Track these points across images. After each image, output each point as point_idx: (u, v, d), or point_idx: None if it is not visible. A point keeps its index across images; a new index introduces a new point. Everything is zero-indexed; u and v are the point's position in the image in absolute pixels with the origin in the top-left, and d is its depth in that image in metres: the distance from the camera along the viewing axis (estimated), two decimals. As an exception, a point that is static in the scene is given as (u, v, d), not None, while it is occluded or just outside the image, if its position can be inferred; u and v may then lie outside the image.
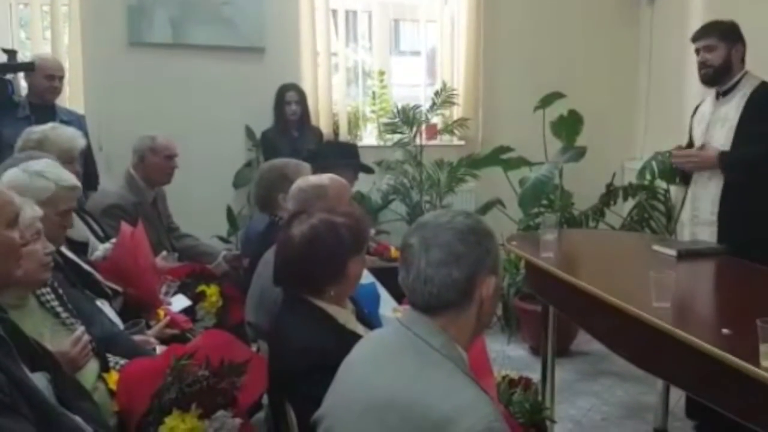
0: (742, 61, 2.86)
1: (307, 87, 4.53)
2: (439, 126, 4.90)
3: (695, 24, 3.30)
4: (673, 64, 4.54)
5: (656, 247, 2.78)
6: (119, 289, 2.39)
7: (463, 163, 4.60)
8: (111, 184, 3.39)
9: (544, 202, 4.29)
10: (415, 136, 4.60)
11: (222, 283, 2.76)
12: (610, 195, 4.29)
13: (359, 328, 1.79)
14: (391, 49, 5.23)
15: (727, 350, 1.65)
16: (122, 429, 1.71)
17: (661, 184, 4.16)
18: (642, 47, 5.05)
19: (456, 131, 4.85)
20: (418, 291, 1.33)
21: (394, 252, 3.38)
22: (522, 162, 4.28)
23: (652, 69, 4.97)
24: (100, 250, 2.59)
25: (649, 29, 4.99)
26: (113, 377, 1.78)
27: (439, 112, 4.73)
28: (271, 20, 4.53)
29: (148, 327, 2.27)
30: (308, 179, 2.46)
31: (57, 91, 3.58)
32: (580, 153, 4.07)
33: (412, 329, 1.34)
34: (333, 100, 4.75)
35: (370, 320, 2.00)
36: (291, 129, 4.37)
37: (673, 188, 3.99)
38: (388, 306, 2.46)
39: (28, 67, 3.52)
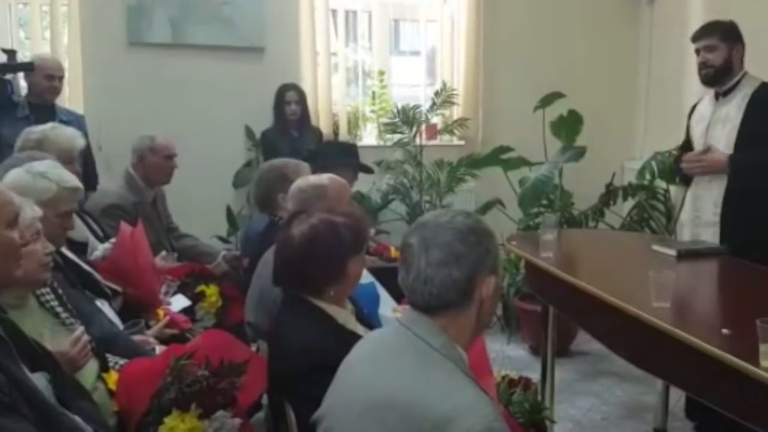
0: (741, 61, 2.86)
1: (306, 87, 4.53)
2: (439, 126, 4.91)
3: (695, 24, 3.30)
4: (672, 64, 4.54)
5: (656, 247, 2.78)
6: (119, 289, 2.39)
7: (463, 163, 4.60)
8: (110, 184, 3.39)
9: (544, 202, 4.29)
10: (414, 136, 4.60)
11: (221, 283, 2.76)
12: (609, 195, 4.29)
13: (359, 328, 1.79)
14: (390, 49, 5.23)
15: (727, 350, 1.65)
16: (122, 429, 1.71)
17: (660, 184, 4.16)
18: (642, 47, 5.05)
19: (456, 131, 4.85)
20: (418, 291, 1.33)
21: (393, 252, 3.38)
22: (522, 162, 4.29)
23: (651, 69, 4.97)
24: (100, 250, 2.59)
25: (648, 29, 4.99)
26: (113, 377, 1.78)
27: (438, 112, 4.73)
28: (270, 20, 4.53)
29: (148, 327, 2.27)
30: (308, 179, 2.46)
31: (56, 91, 3.58)
32: (580, 153, 4.07)
33: (412, 329, 1.34)
34: (333, 100, 4.75)
35: (370, 320, 2.00)
36: (291, 129, 4.37)
37: (672, 188, 3.99)
38: (387, 306, 2.46)
39: (28, 67, 3.52)
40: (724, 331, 1.80)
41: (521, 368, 2.34)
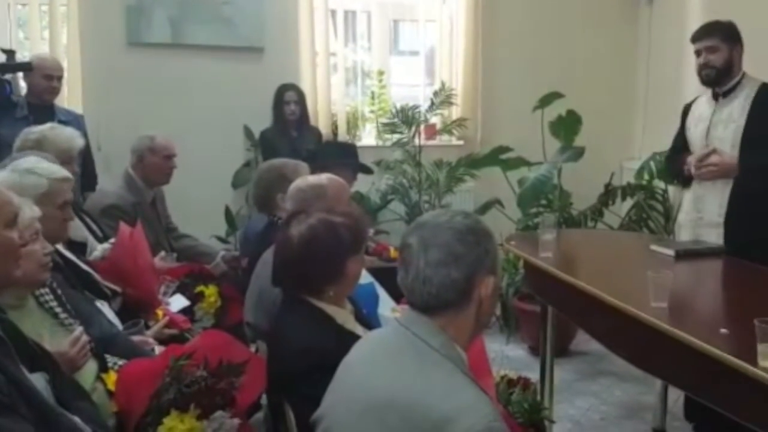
0: (740, 61, 2.85)
1: (306, 87, 4.53)
2: (438, 126, 4.90)
3: (694, 24, 3.30)
4: (671, 65, 4.55)
5: (654, 247, 2.78)
6: (118, 289, 2.39)
7: (462, 163, 4.60)
8: (109, 184, 3.39)
9: (543, 202, 4.29)
10: (414, 136, 4.60)
11: (220, 284, 2.76)
12: (608, 195, 4.29)
13: (358, 329, 1.79)
14: (390, 49, 5.24)
15: (725, 350, 1.66)
16: (121, 429, 1.71)
17: (659, 184, 4.17)
18: (640, 47, 5.05)
19: (455, 131, 4.85)
20: (417, 291, 1.33)
21: (393, 252, 3.38)
22: (521, 162, 4.29)
23: (650, 69, 4.97)
24: (99, 250, 2.58)
25: (647, 29, 4.99)
26: (112, 378, 1.77)
27: (438, 112, 4.73)
28: (270, 20, 4.53)
29: (147, 327, 2.27)
30: (307, 179, 2.46)
31: (55, 91, 3.58)
32: (579, 153, 4.08)
33: (411, 329, 1.34)
34: (332, 100, 4.75)
35: (369, 320, 2.00)
36: (290, 129, 4.37)
37: (671, 188, 3.99)
38: (386, 306, 2.46)
39: (26, 67, 3.51)
40: (723, 330, 1.80)
41: (520, 368, 2.34)
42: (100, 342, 1.87)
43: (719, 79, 2.82)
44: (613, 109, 5.00)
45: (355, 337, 1.60)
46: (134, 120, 4.04)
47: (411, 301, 1.37)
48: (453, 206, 4.50)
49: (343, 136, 4.75)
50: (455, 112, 4.89)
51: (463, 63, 4.86)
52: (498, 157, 4.34)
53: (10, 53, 3.58)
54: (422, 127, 4.64)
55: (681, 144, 3.06)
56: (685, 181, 2.98)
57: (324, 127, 4.64)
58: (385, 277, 2.55)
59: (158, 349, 2.10)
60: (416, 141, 4.60)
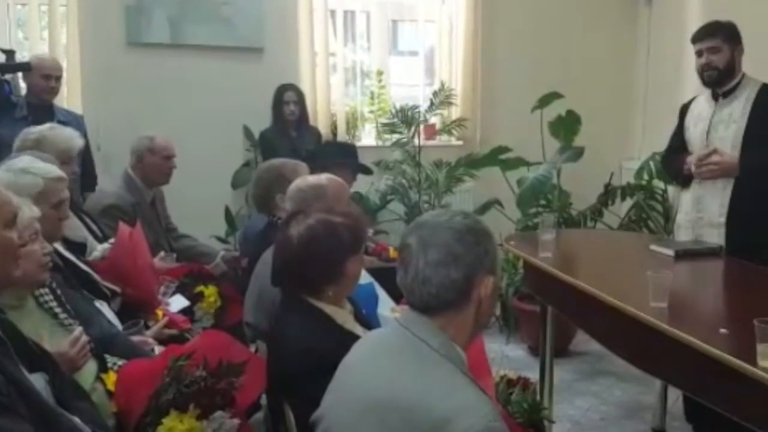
0: (741, 62, 2.85)
1: (305, 87, 4.53)
2: (438, 126, 4.91)
3: (693, 24, 3.30)
4: (670, 65, 4.55)
5: (654, 247, 2.78)
6: (117, 289, 2.39)
7: (462, 163, 4.60)
8: (109, 184, 3.38)
9: (543, 202, 4.30)
10: (413, 136, 4.60)
11: (220, 284, 2.76)
12: (607, 195, 4.30)
13: (357, 329, 1.79)
14: (389, 49, 5.24)
15: (725, 350, 1.66)
16: (120, 430, 1.71)
17: (658, 184, 4.17)
18: (640, 47, 5.06)
19: (454, 131, 4.85)
20: (417, 291, 1.33)
21: (392, 252, 3.37)
22: (520, 162, 4.29)
23: (649, 69, 4.98)
24: (99, 250, 2.58)
25: (647, 29, 5.00)
26: (111, 378, 1.78)
27: (437, 112, 4.73)
28: (269, 20, 4.53)
29: (147, 327, 2.27)
30: (306, 179, 2.46)
31: (54, 91, 3.57)
32: (578, 153, 4.08)
33: (411, 329, 1.34)
34: (331, 100, 4.75)
35: (369, 320, 2.00)
36: (289, 129, 4.37)
37: (670, 188, 4.00)
38: (386, 306, 2.45)
39: (25, 67, 3.51)
40: (722, 330, 1.80)
41: (520, 368, 2.34)
42: (99, 342, 1.87)
43: (721, 79, 2.82)
44: (612, 109, 5.01)
45: (354, 337, 1.60)
46: (134, 120, 4.04)
47: (410, 302, 1.37)
48: (452, 206, 4.50)
49: (342, 136, 4.75)
50: (455, 113, 4.89)
51: (463, 63, 4.87)
52: (497, 158, 4.34)
53: (9, 53, 3.57)
54: (422, 127, 4.64)
55: (678, 144, 3.05)
56: (685, 181, 2.97)
57: (323, 128, 4.65)
58: (385, 277, 2.54)
59: (158, 350, 2.09)
60: (416, 141, 4.60)
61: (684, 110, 3.05)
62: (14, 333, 1.48)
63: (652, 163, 4.13)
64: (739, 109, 2.79)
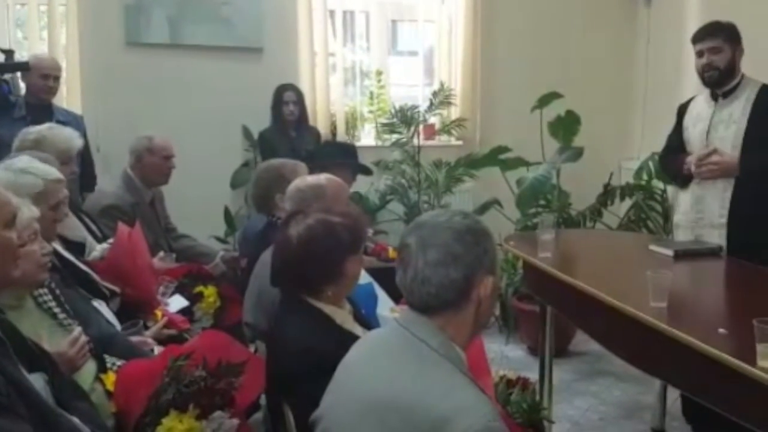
0: (740, 62, 2.85)
1: (304, 87, 4.53)
2: (437, 126, 4.91)
3: (692, 25, 3.30)
4: (670, 65, 4.55)
5: (653, 247, 2.78)
6: (116, 289, 2.39)
7: (461, 163, 4.60)
8: (108, 184, 3.38)
9: (542, 202, 4.30)
10: (412, 137, 4.60)
11: (219, 284, 2.75)
12: (607, 195, 4.30)
13: (356, 329, 1.79)
14: (388, 50, 5.24)
15: (724, 350, 1.66)
16: (120, 430, 1.71)
17: (658, 184, 4.17)
18: (639, 48, 5.06)
19: (454, 131, 4.85)
20: (416, 291, 1.33)
21: (392, 252, 3.37)
22: (519, 162, 4.29)
23: (649, 69, 4.98)
24: (98, 250, 2.58)
25: (646, 30, 5.00)
26: (110, 378, 1.77)
27: (436, 112, 4.72)
28: (269, 20, 4.52)
29: (146, 328, 2.27)
30: (306, 179, 2.46)
31: (52, 90, 3.57)
32: (578, 153, 4.08)
33: (410, 329, 1.34)
34: (330, 100, 4.75)
35: (368, 320, 2.00)
36: (289, 129, 4.37)
37: (670, 188, 4.00)
38: (385, 306, 2.45)
39: (23, 67, 3.51)
40: (721, 330, 1.80)
41: (519, 368, 2.34)
42: (98, 342, 1.87)
43: (722, 80, 2.82)
44: (611, 109, 5.01)
45: (353, 338, 1.60)
46: (133, 120, 4.04)
47: (410, 302, 1.37)
48: (452, 206, 4.50)
49: (341, 136, 4.75)
50: (454, 113, 4.89)
51: (462, 63, 4.87)
52: (497, 158, 4.34)
53: (8, 53, 3.58)
54: (421, 127, 4.64)
55: (676, 143, 3.05)
56: (683, 182, 2.97)
57: (323, 128, 4.65)
58: (384, 277, 2.54)
59: (157, 350, 2.09)
60: (415, 141, 4.60)
61: (682, 110, 3.05)
62: (13, 333, 1.48)
63: (651, 164, 4.13)
64: (739, 110, 2.79)
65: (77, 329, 1.76)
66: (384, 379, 1.30)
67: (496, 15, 4.90)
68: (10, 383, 1.31)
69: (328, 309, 1.77)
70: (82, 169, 3.22)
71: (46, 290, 1.81)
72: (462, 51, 4.86)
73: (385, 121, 4.71)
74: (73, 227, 2.56)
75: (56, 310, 1.81)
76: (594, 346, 3.45)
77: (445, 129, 4.83)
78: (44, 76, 3.49)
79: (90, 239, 2.67)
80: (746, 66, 2.87)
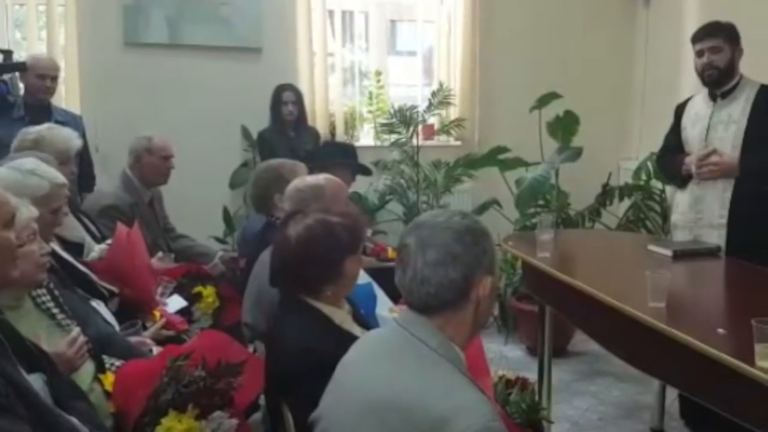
0: (739, 62, 2.86)
1: (303, 87, 4.53)
2: (436, 126, 4.91)
3: (691, 25, 3.30)
4: (668, 65, 4.55)
5: (652, 247, 2.78)
6: (115, 290, 2.39)
7: (460, 164, 4.60)
8: (107, 184, 3.38)
9: (541, 202, 4.30)
10: (411, 137, 4.60)
11: (218, 284, 2.75)
12: (606, 195, 4.30)
13: (355, 329, 1.79)
14: (387, 50, 5.24)
15: (723, 350, 1.66)
16: (119, 430, 1.71)
17: (656, 184, 4.18)
18: (638, 48, 5.06)
19: (453, 131, 4.85)
20: (415, 291, 1.33)
21: (391, 252, 3.38)
22: (518, 162, 4.29)
23: (647, 70, 4.98)
24: (96, 251, 2.58)
25: (644, 30, 5.00)
26: (109, 378, 1.77)
27: (435, 112, 4.73)
28: (268, 20, 4.52)
29: (145, 328, 2.27)
30: (305, 179, 2.46)
31: (49, 90, 3.56)
32: (577, 153, 4.08)
33: (409, 329, 1.34)
34: (329, 101, 4.75)
35: (367, 321, 2.00)
36: (288, 129, 4.37)
37: (668, 188, 4.00)
38: (384, 306, 2.45)
39: (21, 67, 3.51)
40: (720, 330, 1.80)
41: (518, 368, 2.34)
42: (97, 342, 1.87)
43: (722, 79, 2.82)
44: (610, 109, 5.01)
45: (352, 338, 1.60)
46: (132, 120, 4.03)
47: (409, 302, 1.37)
48: (451, 206, 4.50)
49: (340, 136, 4.75)
50: (453, 113, 4.89)
51: (461, 63, 4.87)
52: (496, 158, 4.34)
53: (7, 53, 3.57)
54: (420, 127, 4.64)
55: (674, 143, 3.05)
56: (682, 182, 2.97)
57: (322, 128, 4.64)
58: (383, 277, 2.54)
59: (156, 350, 2.09)
60: (414, 141, 4.60)
61: (680, 110, 3.05)
62: (12, 333, 1.47)
63: (650, 164, 4.14)
64: (738, 110, 2.79)
65: (76, 329, 1.75)
66: (383, 379, 1.30)
67: (495, 15, 4.90)
68: (9, 384, 1.31)
69: (327, 309, 1.77)
70: (81, 169, 3.22)
71: (44, 290, 1.81)
72: (461, 51, 4.86)
73: (384, 121, 4.71)
74: (72, 227, 2.56)
75: (55, 310, 1.81)
76: (593, 346, 3.45)
77: (444, 129, 4.83)
78: (41, 77, 3.49)
79: (88, 239, 2.67)
80: (744, 66, 2.87)
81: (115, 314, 2.29)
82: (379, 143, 4.81)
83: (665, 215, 4.02)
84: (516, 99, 4.55)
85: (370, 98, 4.92)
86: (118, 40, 4.32)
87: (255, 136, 4.46)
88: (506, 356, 3.81)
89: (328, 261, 1.76)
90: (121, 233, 2.50)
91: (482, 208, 4.39)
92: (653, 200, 4.19)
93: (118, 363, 1.87)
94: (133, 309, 2.38)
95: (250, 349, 2.07)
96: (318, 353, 1.59)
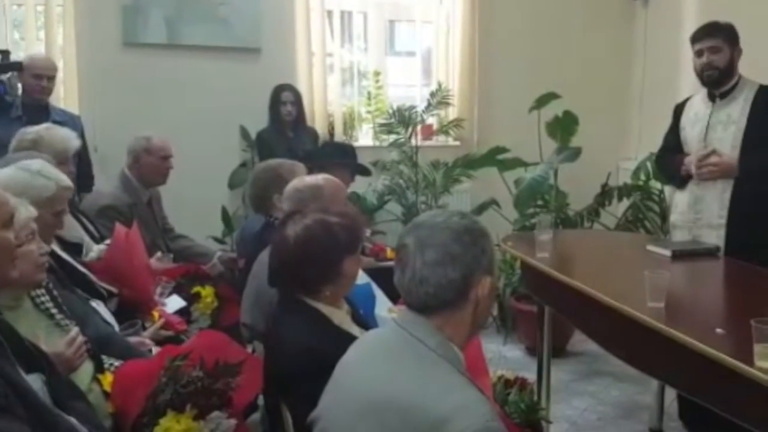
0: (738, 62, 2.86)
1: (302, 87, 4.53)
2: (435, 126, 4.91)
3: (689, 25, 3.31)
4: (667, 65, 4.56)
5: (651, 247, 2.78)
6: (114, 290, 2.39)
7: (459, 164, 4.60)
8: (106, 184, 3.38)
9: (540, 202, 4.30)
10: (410, 137, 4.60)
11: (217, 284, 2.75)
12: (604, 195, 4.31)
13: (354, 329, 1.79)
14: (386, 50, 5.24)
15: (722, 350, 1.66)
16: (117, 430, 1.71)
17: (655, 184, 4.18)
18: (636, 48, 5.07)
19: (451, 132, 4.85)
20: (414, 291, 1.33)
21: (390, 253, 3.38)
22: (517, 162, 4.29)
23: (646, 70, 4.98)
24: (95, 251, 2.58)
25: (643, 30, 5.00)
26: (108, 379, 1.77)
27: (434, 112, 4.72)
28: (266, 21, 4.52)
29: (144, 328, 2.27)
30: (303, 179, 2.46)
31: (46, 90, 3.55)
32: (575, 153, 4.08)
33: (408, 329, 1.34)
34: (328, 101, 4.75)
35: (366, 321, 2.00)
36: (286, 129, 4.37)
37: (667, 188, 4.00)
38: (383, 306, 2.45)
39: (16, 67, 3.50)
40: (719, 330, 1.80)
41: (517, 368, 2.34)
42: (95, 342, 1.87)
43: (721, 79, 2.82)
44: (609, 109, 5.02)
45: (351, 338, 1.60)
46: (130, 120, 4.03)
47: (408, 302, 1.37)
48: (450, 207, 4.49)
49: (339, 136, 4.75)
50: (452, 113, 4.89)
51: (460, 63, 4.87)
52: (495, 158, 4.35)
53: (4, 53, 3.57)
54: (419, 127, 4.64)
55: (673, 144, 3.05)
56: (681, 182, 2.97)
57: (320, 128, 4.64)
58: (382, 277, 2.54)
59: (155, 350, 2.09)
60: (413, 141, 4.60)
61: (678, 110, 3.05)
62: (11, 334, 1.47)
63: (649, 164, 4.14)
64: (737, 110, 2.79)
65: (74, 329, 1.75)
66: (382, 379, 1.29)
67: (494, 15, 4.90)
68: (8, 384, 1.31)
69: (325, 309, 1.77)
70: (79, 169, 3.22)
71: (43, 291, 1.80)
72: (459, 51, 4.86)
73: (382, 121, 4.71)
74: (71, 228, 2.56)
75: (53, 310, 1.80)
76: (592, 346, 3.45)
77: (443, 129, 4.83)
78: (37, 76, 3.49)
79: (87, 240, 2.67)
80: (743, 67, 2.87)
81: (114, 314, 2.28)
82: (377, 143, 4.81)
83: (664, 215, 4.02)
84: (515, 99, 4.56)
85: (369, 98, 4.91)
86: (116, 40, 4.32)
87: (254, 136, 4.45)
88: (505, 356, 3.81)
89: (327, 261, 1.76)
90: (119, 233, 2.49)
91: (481, 209, 4.39)
92: (652, 200, 4.20)
93: (116, 363, 1.87)
94: (132, 309, 2.38)
95: (249, 349, 2.07)
96: (317, 353, 1.59)
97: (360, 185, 4.36)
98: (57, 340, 1.70)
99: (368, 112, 4.92)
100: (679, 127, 3.02)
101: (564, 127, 4.18)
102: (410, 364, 1.29)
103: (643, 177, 4.24)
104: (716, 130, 2.84)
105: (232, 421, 1.65)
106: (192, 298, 2.64)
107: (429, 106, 4.63)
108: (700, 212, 2.86)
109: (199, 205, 4.22)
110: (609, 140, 4.98)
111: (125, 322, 2.23)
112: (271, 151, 4.00)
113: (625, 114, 5.12)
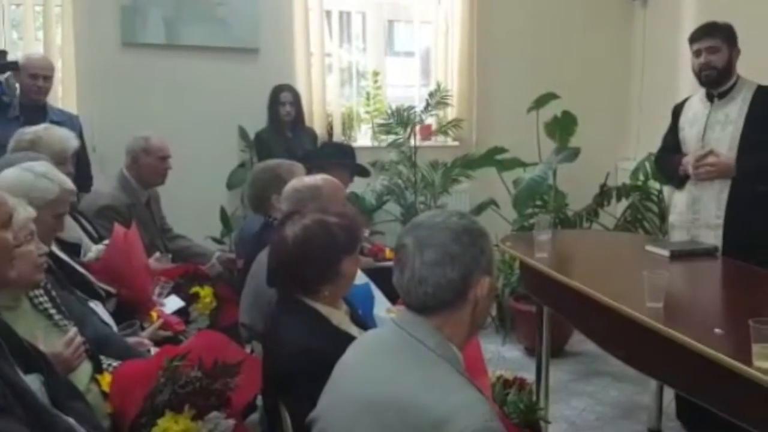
0: (736, 63, 2.86)
1: (301, 88, 4.53)
2: (434, 127, 4.91)
3: (688, 25, 3.31)
4: (666, 66, 4.56)
5: (649, 248, 2.78)
6: (112, 290, 2.38)
7: (458, 164, 4.60)
8: (104, 185, 3.37)
9: (538, 202, 4.30)
10: (409, 137, 4.60)
11: (216, 285, 2.75)
12: (603, 195, 4.31)
13: (353, 329, 1.79)
14: (385, 50, 5.24)
15: (720, 350, 1.66)
16: (116, 430, 1.70)
17: (654, 184, 4.18)
18: (635, 48, 5.07)
19: (450, 132, 4.85)
20: (413, 292, 1.33)
21: (388, 253, 3.38)
22: (516, 163, 4.30)
23: (645, 70, 4.99)
24: (93, 251, 2.58)
25: (642, 30, 5.01)
26: (106, 379, 1.77)
27: (433, 112, 4.72)
28: (265, 21, 4.52)
29: (143, 328, 2.27)
30: (302, 180, 2.46)
31: (42, 90, 3.54)
32: (574, 154, 4.09)
33: (407, 330, 1.34)
34: (327, 101, 4.75)
35: (365, 321, 2.00)
36: (285, 130, 4.36)
37: (666, 189, 4.01)
38: (382, 307, 2.45)
39: (12, 66, 3.50)
40: (717, 330, 1.80)
41: (516, 369, 2.34)
42: (94, 343, 1.87)
43: (720, 79, 2.82)
44: (608, 109, 5.02)
45: (350, 338, 1.60)
46: (129, 120, 4.03)
47: (407, 302, 1.37)
48: (448, 207, 4.49)
49: (338, 136, 4.75)
50: (450, 113, 4.89)
51: (459, 64, 4.87)
52: (493, 158, 4.35)
53: (1, 53, 3.56)
54: (417, 127, 4.64)
55: (672, 144, 3.06)
56: (680, 182, 2.98)
57: (319, 128, 4.64)
58: (381, 277, 2.54)
59: (153, 351, 2.09)
60: (411, 142, 4.60)
61: (677, 110, 3.06)
62: (9, 334, 1.47)
63: (647, 164, 4.14)
64: (735, 111, 2.80)
65: (73, 330, 1.75)
66: (381, 380, 1.29)
67: (493, 15, 4.90)
68: (6, 384, 1.31)
69: (324, 309, 1.77)
70: (78, 169, 3.20)
71: (41, 291, 1.80)
72: (458, 51, 4.86)
73: (381, 121, 4.71)
74: (69, 228, 2.55)
75: (52, 311, 1.80)
76: (590, 346, 3.45)
77: (442, 130, 4.83)
78: (33, 76, 3.48)
79: (86, 240, 2.66)
80: (741, 67, 2.88)
81: (113, 315, 2.28)
82: (376, 144, 4.81)
83: (663, 216, 4.03)
84: (514, 99, 4.56)
85: (368, 99, 4.91)
86: (115, 40, 4.32)
87: (252, 136, 4.45)
88: (504, 356, 3.81)
89: (326, 261, 1.76)
90: (118, 234, 2.49)
91: (480, 209, 4.39)
92: (651, 201, 4.20)
93: (115, 363, 1.87)
94: (131, 309, 2.38)
95: (248, 349, 2.07)
96: (315, 354, 1.59)
97: (359, 185, 4.36)
98: (55, 340, 1.70)
99: (367, 112, 4.92)
100: (678, 128, 3.02)
101: (563, 127, 4.18)
102: (409, 364, 1.29)
103: (641, 177, 4.24)
104: (714, 130, 2.84)
105: (231, 422, 1.65)
106: (190, 299, 2.64)
107: (428, 107, 4.63)
108: (698, 212, 2.87)
109: (197, 205, 4.22)
110: (608, 140, 4.99)
111: (124, 323, 2.23)
112: (269, 152, 4.00)
113: (624, 114, 5.13)
